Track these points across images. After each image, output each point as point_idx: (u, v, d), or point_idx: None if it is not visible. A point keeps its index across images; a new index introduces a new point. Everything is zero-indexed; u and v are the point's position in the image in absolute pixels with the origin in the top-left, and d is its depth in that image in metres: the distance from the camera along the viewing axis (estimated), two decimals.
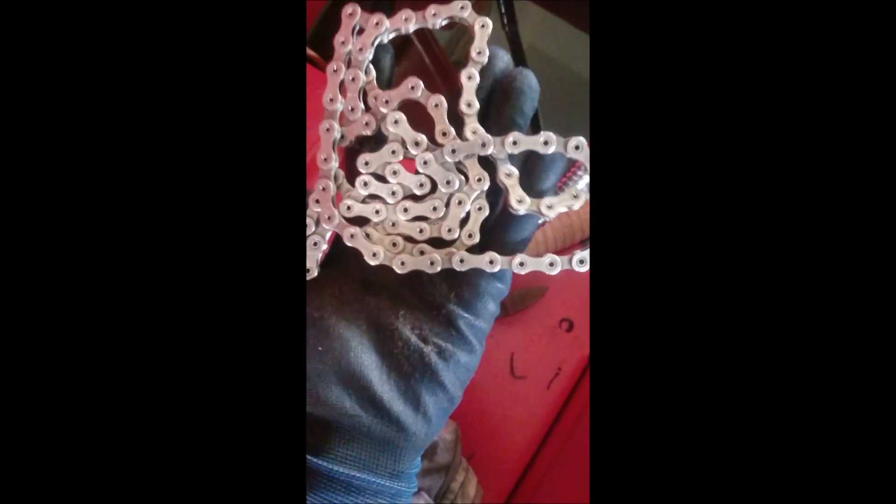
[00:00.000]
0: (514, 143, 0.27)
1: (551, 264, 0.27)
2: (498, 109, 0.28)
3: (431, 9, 0.28)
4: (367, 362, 0.28)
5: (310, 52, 0.56)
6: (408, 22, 0.28)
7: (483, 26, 0.27)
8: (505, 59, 0.29)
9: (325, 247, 0.29)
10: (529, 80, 0.28)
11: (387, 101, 0.28)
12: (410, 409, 0.28)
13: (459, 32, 0.85)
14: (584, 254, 0.28)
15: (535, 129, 0.68)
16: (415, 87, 0.28)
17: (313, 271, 0.29)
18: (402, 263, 0.28)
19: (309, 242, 0.29)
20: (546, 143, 0.27)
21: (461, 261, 0.27)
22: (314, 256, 0.29)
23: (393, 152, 0.28)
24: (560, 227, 0.59)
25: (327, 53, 0.56)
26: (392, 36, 0.29)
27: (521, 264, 0.27)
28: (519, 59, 0.67)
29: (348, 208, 0.28)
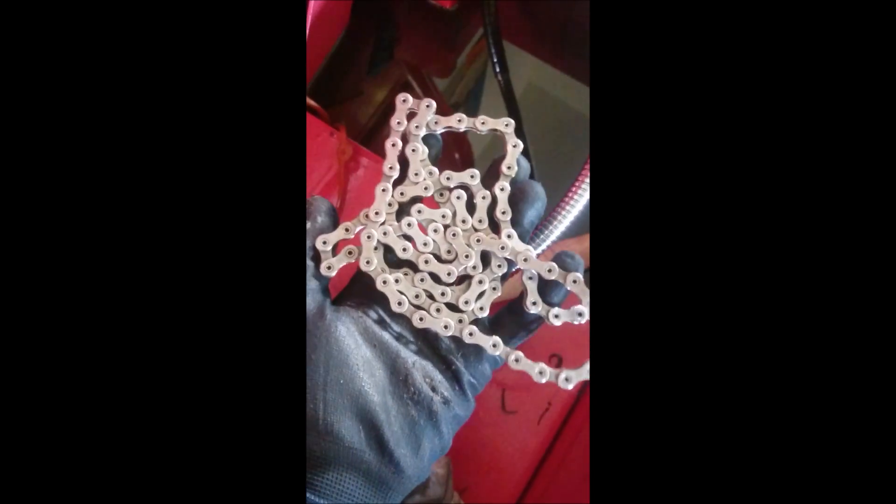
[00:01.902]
0: (525, 259, 0.33)
1: (540, 373, 0.32)
2: (513, 208, 0.34)
3: (480, 118, 0.34)
4: (380, 401, 0.30)
5: (311, 102, 0.59)
6: (460, 123, 0.34)
7: (515, 146, 0.33)
8: (525, 167, 0.35)
9: (333, 273, 0.33)
10: (538, 191, 0.34)
11: (448, 178, 0.34)
12: (411, 452, 0.31)
13: (457, 79, 0.89)
14: (571, 373, 0.32)
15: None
16: (474, 177, 0.34)
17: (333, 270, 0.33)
18: (421, 319, 0.32)
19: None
20: (549, 270, 0.33)
21: (470, 334, 0.32)
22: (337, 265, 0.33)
23: (443, 216, 0.33)
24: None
25: (327, 102, 0.59)
26: (443, 130, 0.33)
27: (517, 360, 0.32)
28: (511, 104, 0.70)
29: (385, 234, 0.33)
